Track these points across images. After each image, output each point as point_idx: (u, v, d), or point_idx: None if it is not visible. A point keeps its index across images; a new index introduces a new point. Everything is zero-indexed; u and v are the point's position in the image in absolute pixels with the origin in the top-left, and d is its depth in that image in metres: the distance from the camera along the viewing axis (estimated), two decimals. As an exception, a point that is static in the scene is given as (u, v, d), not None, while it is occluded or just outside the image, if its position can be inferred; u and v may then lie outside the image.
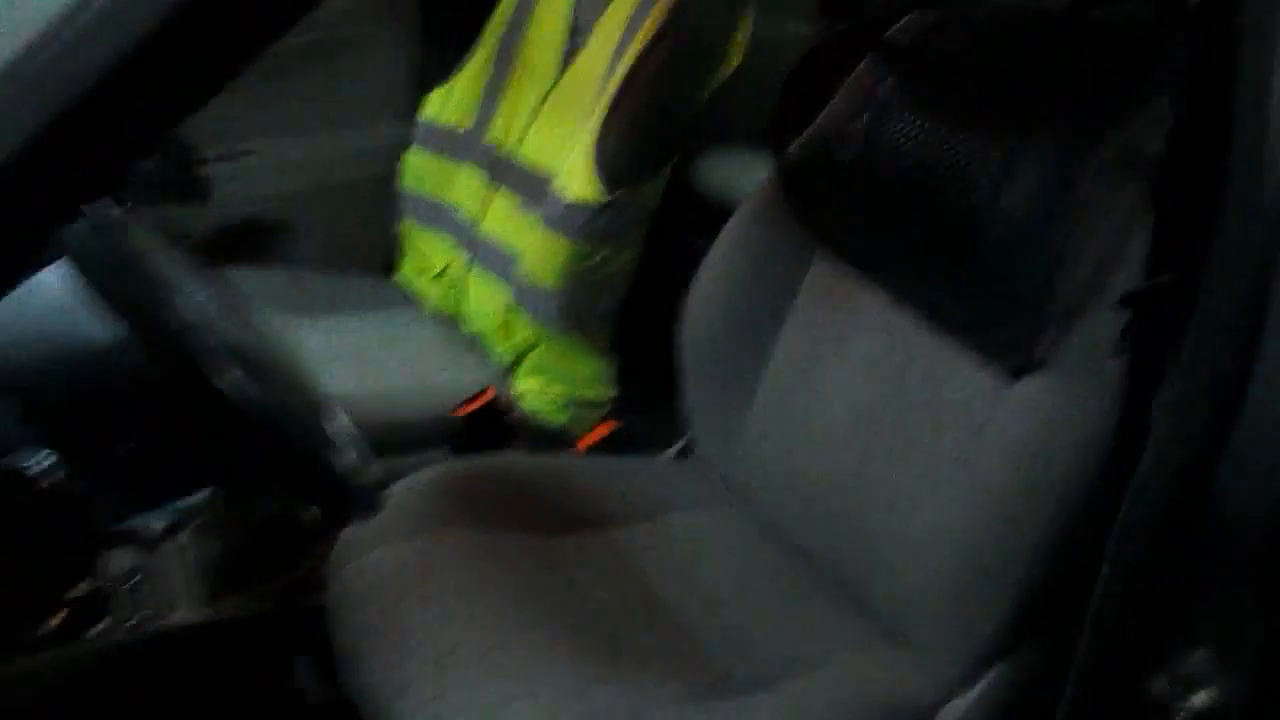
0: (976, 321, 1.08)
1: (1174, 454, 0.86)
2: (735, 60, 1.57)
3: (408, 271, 1.91)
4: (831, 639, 1.17)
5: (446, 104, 1.86)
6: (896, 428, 1.15)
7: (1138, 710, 0.87)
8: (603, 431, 1.64)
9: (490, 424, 1.60)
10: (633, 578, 1.23)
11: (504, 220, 1.69)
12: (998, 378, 1.05)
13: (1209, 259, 0.82)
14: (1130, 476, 0.91)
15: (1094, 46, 1.08)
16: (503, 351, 1.66)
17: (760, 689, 1.09)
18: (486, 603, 1.13)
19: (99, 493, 0.80)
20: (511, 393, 1.65)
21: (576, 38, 1.69)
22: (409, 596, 1.13)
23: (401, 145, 1.91)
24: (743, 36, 1.57)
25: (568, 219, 1.55)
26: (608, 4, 1.64)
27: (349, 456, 0.86)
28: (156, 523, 1.26)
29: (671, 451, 1.47)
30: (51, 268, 0.71)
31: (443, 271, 1.81)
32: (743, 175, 1.57)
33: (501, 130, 1.76)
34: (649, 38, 1.54)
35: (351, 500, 0.89)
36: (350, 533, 1.20)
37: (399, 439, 1.56)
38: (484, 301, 1.70)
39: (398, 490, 1.27)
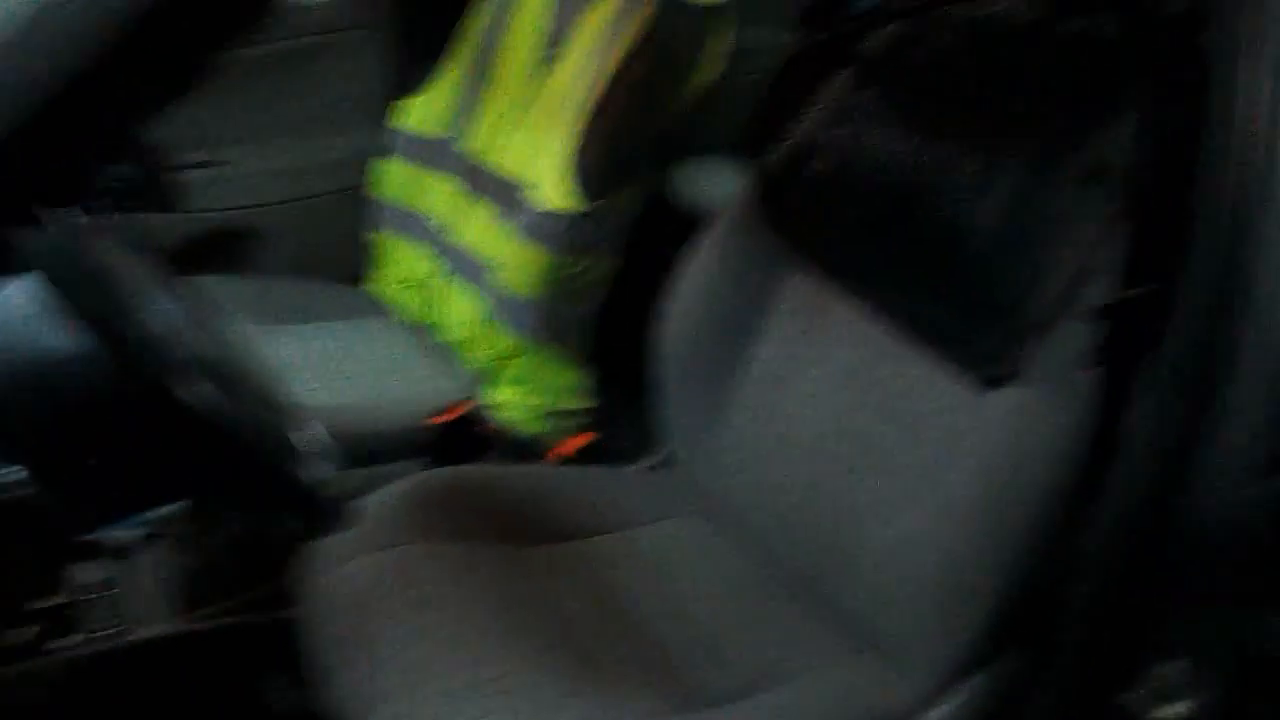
0: (952, 333, 1.08)
1: (1146, 465, 0.87)
2: (715, 71, 1.58)
3: (382, 280, 1.90)
4: (808, 650, 1.16)
5: (421, 113, 1.85)
6: (872, 438, 1.15)
7: (1113, 721, 0.87)
8: (579, 442, 1.64)
9: (465, 434, 1.59)
10: (608, 589, 1.22)
11: (482, 230, 1.68)
12: (973, 389, 1.06)
13: (1180, 272, 0.83)
14: (1104, 488, 0.91)
15: (1067, 59, 1.08)
16: (479, 361, 1.66)
17: (736, 701, 1.08)
18: (460, 615, 1.12)
19: (66, 506, 0.79)
20: (487, 403, 1.64)
21: (553, 47, 1.68)
22: (381, 609, 1.12)
23: (375, 153, 1.90)
24: (722, 47, 1.57)
25: (546, 229, 1.55)
26: (585, 13, 1.64)
27: (318, 468, 0.85)
28: (127, 535, 1.25)
29: (647, 462, 1.46)
30: (17, 279, 0.70)
31: (419, 280, 1.80)
32: (721, 185, 1.57)
33: (477, 139, 1.75)
34: (628, 48, 1.53)
35: (320, 513, 0.88)
36: (323, 545, 1.19)
37: (373, 449, 1.55)
38: (460, 311, 1.69)
39: (371, 501, 1.26)
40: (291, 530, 1.15)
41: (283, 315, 1.76)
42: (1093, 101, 1.03)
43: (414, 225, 1.83)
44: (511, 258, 1.59)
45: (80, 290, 0.71)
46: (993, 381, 1.03)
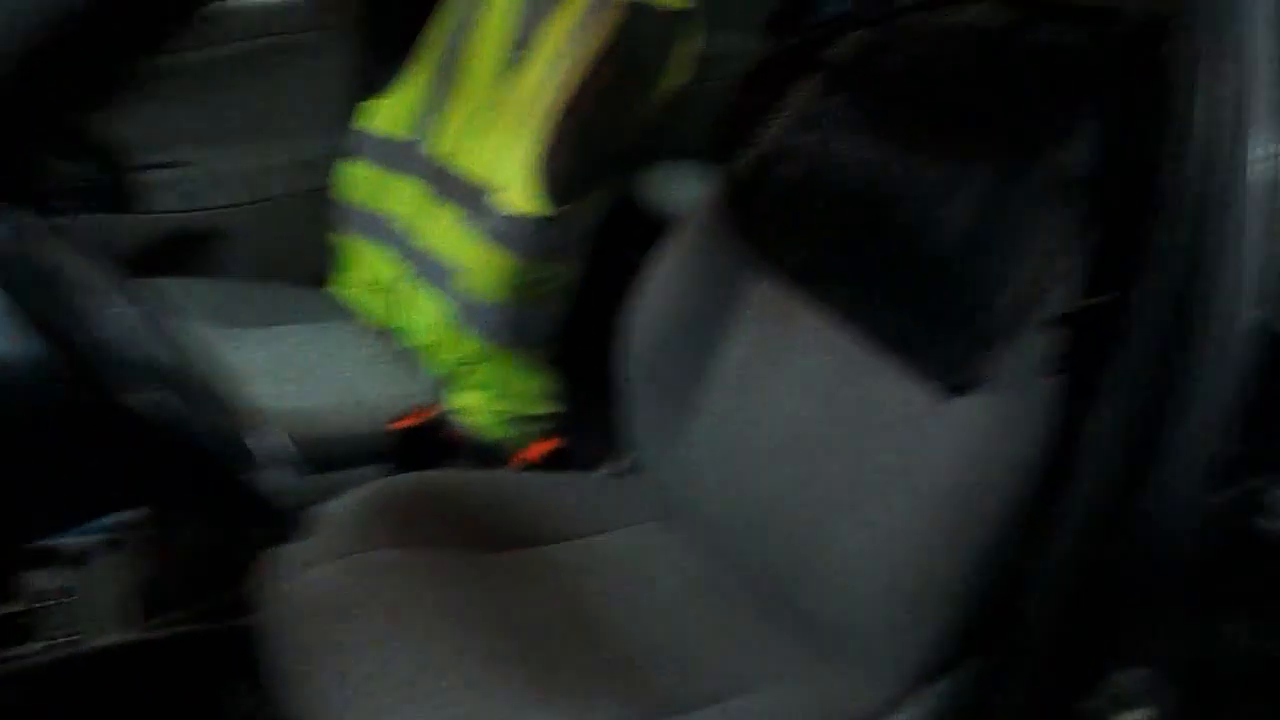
0: (915, 340, 1.08)
1: (1105, 474, 0.87)
2: (682, 76, 1.57)
3: (346, 283, 1.89)
4: (773, 657, 1.16)
5: (386, 114, 1.84)
6: (836, 445, 1.15)
7: (1073, 727, 0.88)
8: (544, 448, 1.63)
9: (429, 440, 1.58)
10: (572, 597, 1.21)
11: (447, 233, 1.67)
12: (936, 396, 1.06)
13: (1140, 281, 0.83)
14: (1064, 495, 0.92)
15: (1032, 69, 1.09)
16: (443, 366, 1.65)
17: (702, 709, 1.08)
18: (422, 623, 1.11)
19: (17, 512, 0.77)
20: (452, 408, 1.63)
21: (520, 50, 1.68)
22: (342, 617, 1.11)
23: (340, 155, 1.89)
24: (690, 52, 1.57)
25: (511, 233, 1.54)
26: (552, 17, 1.64)
27: (278, 474, 0.84)
28: (84, 541, 1.23)
29: (613, 468, 1.46)
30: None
31: (383, 284, 1.79)
32: (688, 190, 1.57)
33: (442, 142, 1.74)
34: (594, 52, 1.53)
35: (279, 519, 0.87)
36: (284, 552, 1.17)
37: (335, 454, 1.54)
38: (425, 315, 1.68)
39: (332, 508, 1.25)
40: (252, 537, 1.14)
41: (245, 318, 1.74)
42: (1056, 111, 1.04)
43: (379, 228, 1.82)
44: (477, 262, 1.58)
45: (31, 293, 0.70)
46: (956, 389, 1.04)
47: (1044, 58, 1.08)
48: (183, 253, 1.95)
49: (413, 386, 1.64)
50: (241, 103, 1.95)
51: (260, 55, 1.95)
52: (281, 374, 1.62)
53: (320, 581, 1.15)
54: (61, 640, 1.19)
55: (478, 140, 1.68)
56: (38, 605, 1.19)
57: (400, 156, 1.81)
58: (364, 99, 1.89)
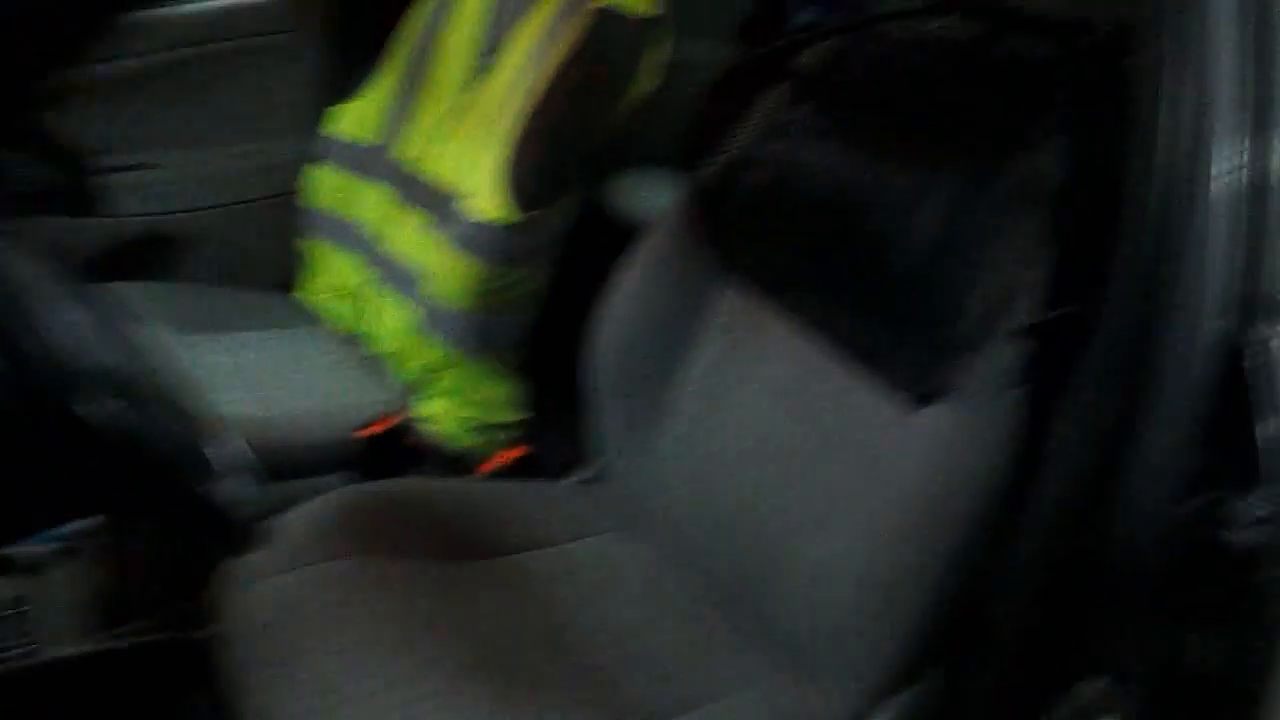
0: (881, 349, 1.08)
1: (1069, 485, 0.87)
2: (651, 83, 1.57)
3: (313, 289, 1.87)
4: (738, 668, 1.16)
5: (354, 119, 1.82)
6: (803, 455, 1.15)
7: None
8: (510, 455, 1.62)
9: (395, 447, 1.57)
10: (539, 606, 1.20)
11: (414, 239, 1.66)
12: (902, 406, 1.06)
13: (1105, 293, 0.84)
14: (1029, 506, 0.92)
15: (999, 80, 1.09)
16: (409, 372, 1.63)
17: (668, 718, 1.07)
18: (384, 634, 1.10)
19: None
20: (418, 415, 1.61)
21: (489, 55, 1.67)
22: (302, 628, 1.09)
23: (307, 160, 1.87)
24: (658, 59, 1.57)
25: (479, 239, 1.53)
26: (521, 22, 1.63)
27: (234, 483, 0.82)
28: (39, 550, 1.21)
29: (580, 476, 1.45)
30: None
31: (349, 290, 1.77)
32: (657, 196, 1.57)
33: (410, 148, 1.73)
34: (562, 58, 1.52)
35: (235, 529, 0.85)
36: (242, 562, 1.16)
37: (298, 462, 1.53)
38: (391, 321, 1.67)
39: (293, 516, 1.23)
40: (209, 547, 1.12)
41: (210, 324, 1.72)
42: (1023, 123, 1.04)
43: (345, 233, 1.80)
44: (443, 268, 1.57)
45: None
46: (922, 399, 1.04)
47: (1012, 68, 1.09)
48: (148, 257, 1.93)
49: (379, 393, 1.63)
50: (208, 106, 1.94)
51: (228, 58, 1.94)
52: (246, 380, 1.60)
53: (279, 592, 1.14)
54: (15, 651, 1.17)
55: (445, 146, 1.67)
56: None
57: (368, 161, 1.79)
58: (332, 103, 1.88)
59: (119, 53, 1.87)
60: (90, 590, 1.21)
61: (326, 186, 1.84)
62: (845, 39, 1.24)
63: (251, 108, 1.97)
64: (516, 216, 1.51)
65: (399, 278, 1.67)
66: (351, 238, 1.79)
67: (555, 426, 1.52)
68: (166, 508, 0.82)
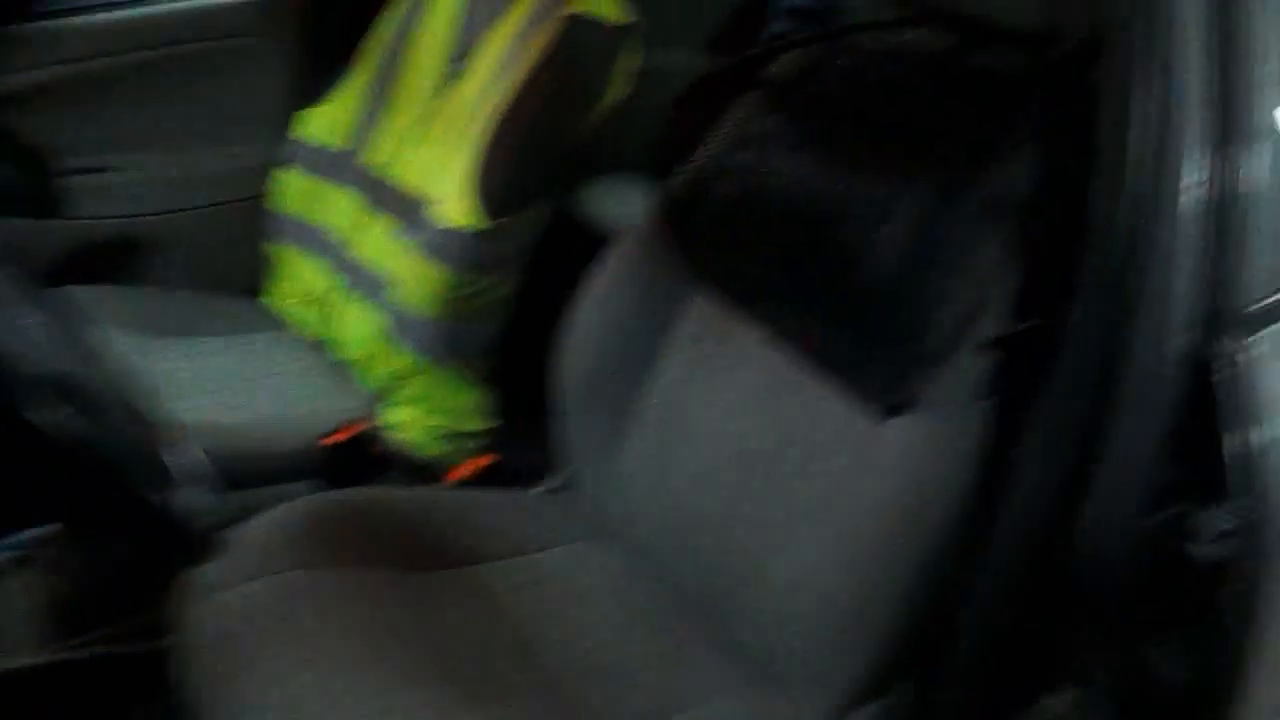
0: (850, 360, 1.08)
1: (1036, 498, 0.87)
2: (621, 91, 1.56)
3: (280, 294, 1.85)
4: (705, 680, 1.15)
5: (322, 123, 1.81)
6: (771, 465, 1.14)
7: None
8: (478, 464, 1.60)
9: (360, 455, 1.55)
10: (503, 617, 1.19)
11: (379, 245, 1.65)
12: (871, 417, 1.05)
13: (1073, 305, 0.84)
14: (997, 519, 0.92)
15: (970, 92, 1.09)
16: (376, 380, 1.62)
17: (631, 733, 1.06)
18: (344, 646, 1.08)
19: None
20: (384, 423, 1.60)
21: (458, 62, 1.66)
22: (261, 640, 1.08)
23: (274, 164, 1.86)
24: (629, 67, 1.56)
25: (447, 246, 1.52)
26: (493, 28, 1.62)
27: (192, 491, 0.81)
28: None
29: (548, 485, 1.44)
30: None
31: (317, 295, 1.76)
32: (628, 205, 1.56)
33: (379, 153, 1.71)
34: (533, 65, 1.52)
35: (193, 538, 0.84)
36: (203, 571, 1.14)
37: (262, 470, 1.51)
38: (358, 328, 1.65)
39: (255, 525, 1.21)
40: (167, 556, 1.10)
41: (174, 329, 1.71)
42: (994, 135, 1.04)
43: (313, 238, 1.78)
44: (411, 274, 1.56)
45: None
46: (890, 411, 1.03)
47: (983, 81, 1.09)
48: (113, 260, 1.91)
49: (345, 401, 1.61)
50: (175, 108, 1.92)
51: (196, 60, 1.92)
52: (210, 386, 1.59)
53: (240, 602, 1.12)
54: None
55: (415, 152, 1.65)
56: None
57: (336, 166, 1.78)
58: (301, 107, 1.86)
59: (85, 54, 1.85)
60: (45, 600, 1.18)
61: (294, 191, 1.82)
62: (817, 49, 1.24)
63: (219, 111, 1.95)
64: (485, 223, 1.50)
65: (366, 284, 1.65)
66: (319, 243, 1.77)
67: (523, 435, 1.51)
68: (122, 516, 0.80)
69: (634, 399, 1.28)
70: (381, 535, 1.26)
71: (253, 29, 1.95)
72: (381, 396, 1.61)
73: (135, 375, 1.47)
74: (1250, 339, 0.81)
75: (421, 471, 1.59)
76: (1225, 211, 0.79)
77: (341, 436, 1.54)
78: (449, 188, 1.54)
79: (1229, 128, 0.79)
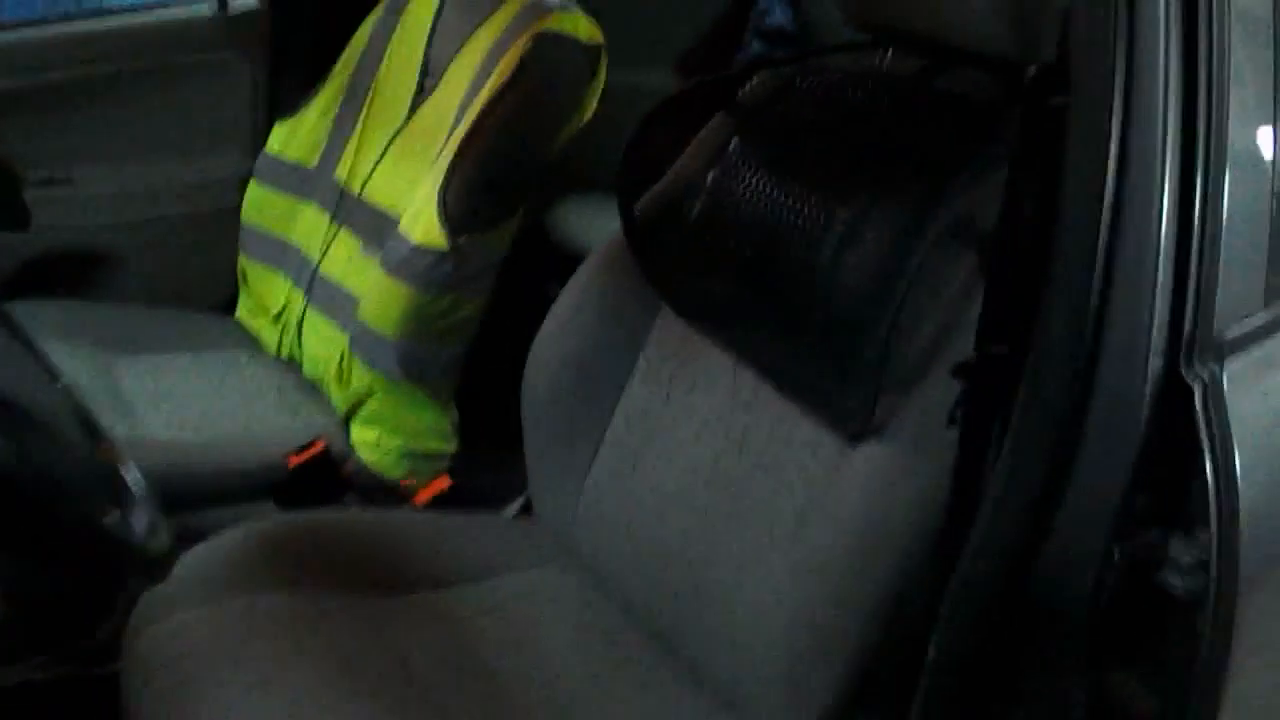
0: (815, 385, 1.06)
1: (1001, 526, 0.86)
2: (589, 111, 1.55)
3: (246, 309, 1.83)
4: (670, 709, 1.13)
5: (292, 138, 1.79)
6: (737, 490, 1.12)
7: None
8: (441, 486, 1.58)
9: (322, 476, 1.53)
10: (463, 643, 1.17)
11: (345, 263, 1.63)
12: (837, 443, 1.04)
13: (1043, 330, 0.82)
14: (965, 546, 0.90)
15: (937, 116, 1.08)
16: (339, 399, 1.59)
17: (591, 763, 1.04)
18: (300, 672, 1.06)
19: None
20: (347, 443, 1.57)
21: (428, 79, 1.65)
22: (210, 666, 1.05)
23: (242, 178, 1.84)
24: (598, 87, 1.55)
25: (410, 265, 1.50)
26: (463, 46, 1.61)
27: (135, 512, 0.78)
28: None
29: (511, 509, 1.42)
30: None
31: (281, 311, 1.73)
32: (599, 224, 1.54)
33: (348, 169, 1.70)
34: (499, 84, 1.50)
35: (142, 561, 0.81)
36: (155, 594, 1.11)
37: (222, 489, 1.49)
38: (321, 346, 1.63)
39: (210, 547, 1.19)
40: (114, 579, 1.07)
41: (137, 345, 1.69)
42: (961, 159, 1.03)
43: (279, 253, 1.76)
44: (374, 292, 1.54)
45: None
46: (855, 437, 1.02)
47: (951, 104, 1.08)
48: (78, 274, 1.89)
49: (309, 420, 1.59)
50: (142, 121, 1.91)
51: (164, 73, 1.91)
52: (172, 403, 1.57)
53: (192, 626, 1.10)
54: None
55: (384, 169, 1.64)
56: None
57: (304, 182, 1.76)
58: (270, 122, 1.84)
59: (47, 65, 1.83)
60: (-11, 623, 1.15)
61: (262, 206, 1.80)
62: (787, 72, 1.23)
63: (187, 124, 1.94)
64: (450, 242, 1.48)
65: (331, 301, 1.63)
66: (285, 259, 1.75)
67: (488, 457, 1.49)
68: (67, 538, 0.77)
69: (600, 420, 1.27)
70: (340, 559, 1.24)
71: (222, 42, 1.94)
72: (345, 416, 1.59)
73: (90, 392, 1.44)
74: (1223, 364, 0.80)
75: (384, 493, 1.57)
76: (1198, 236, 0.78)
77: (304, 456, 1.52)
78: (415, 205, 1.52)
79: (1203, 152, 0.78)
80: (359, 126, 1.71)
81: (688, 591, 1.15)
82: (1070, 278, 0.78)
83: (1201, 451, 0.78)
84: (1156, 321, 0.79)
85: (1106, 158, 0.76)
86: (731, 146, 1.21)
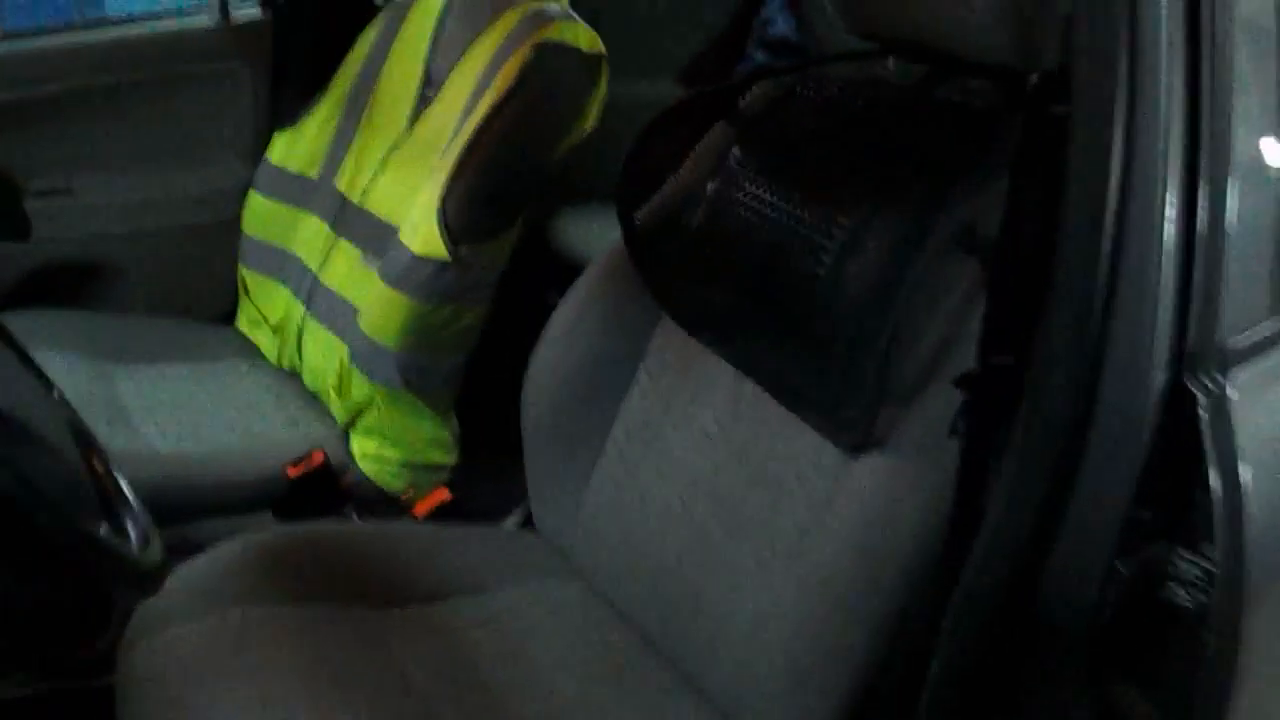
0: (816, 397, 1.05)
1: (1007, 535, 0.85)
2: (590, 121, 1.55)
3: (246, 320, 1.82)
4: (666, 723, 1.12)
5: (292, 148, 1.79)
6: (737, 503, 1.11)
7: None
8: (441, 498, 1.57)
9: (321, 487, 1.52)
10: (459, 656, 1.16)
11: (345, 273, 1.63)
12: (838, 454, 1.03)
13: (1046, 341, 0.82)
14: (967, 561, 0.89)
15: (938, 124, 1.08)
16: (338, 410, 1.58)
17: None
18: (297, 685, 1.05)
19: None
20: (346, 454, 1.56)
21: (429, 89, 1.64)
22: (205, 679, 1.04)
23: (243, 188, 1.84)
24: (599, 97, 1.55)
25: (410, 275, 1.49)
26: (464, 56, 1.61)
27: (120, 526, 0.77)
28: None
29: (511, 521, 1.41)
30: None
31: (281, 321, 1.73)
32: (600, 234, 1.54)
33: (348, 179, 1.69)
34: (500, 94, 1.50)
35: (136, 573, 0.80)
36: (149, 606, 1.10)
37: (220, 500, 1.49)
38: (321, 357, 1.62)
39: (207, 558, 1.18)
40: (107, 592, 1.06)
41: (137, 355, 1.68)
42: (962, 168, 1.02)
43: (279, 264, 1.76)
44: (374, 302, 1.53)
45: None
46: (856, 449, 1.01)
47: (953, 112, 1.07)
48: (77, 284, 1.89)
49: (308, 431, 1.58)
50: (144, 131, 1.91)
51: (166, 84, 1.91)
52: (171, 415, 1.57)
53: (187, 638, 1.09)
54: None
55: (383, 179, 1.64)
56: None
57: (305, 192, 1.76)
58: (271, 132, 1.84)
59: (48, 77, 1.83)
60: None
61: (263, 216, 1.80)
62: (788, 81, 1.23)
63: (188, 134, 1.94)
64: (450, 253, 1.47)
65: (331, 312, 1.63)
66: (286, 269, 1.74)
67: (488, 468, 1.48)
68: (50, 551, 0.76)
69: (600, 431, 1.26)
70: (338, 571, 1.23)
71: (223, 53, 1.94)
72: (344, 427, 1.58)
73: (89, 402, 1.44)
74: (1228, 375, 0.79)
75: (383, 504, 1.56)
76: (1203, 245, 0.77)
77: (303, 467, 1.51)
78: (415, 216, 1.51)
79: (1207, 160, 0.77)
80: (359, 137, 1.71)
81: (688, 604, 1.14)
82: (1073, 287, 0.77)
83: (1206, 463, 0.77)
84: (1160, 332, 0.78)
85: (1109, 166, 0.75)
86: (731, 156, 1.20)
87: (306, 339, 1.66)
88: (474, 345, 1.58)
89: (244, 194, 1.83)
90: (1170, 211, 0.77)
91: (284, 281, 1.74)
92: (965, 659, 0.91)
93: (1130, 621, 0.83)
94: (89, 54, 1.87)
